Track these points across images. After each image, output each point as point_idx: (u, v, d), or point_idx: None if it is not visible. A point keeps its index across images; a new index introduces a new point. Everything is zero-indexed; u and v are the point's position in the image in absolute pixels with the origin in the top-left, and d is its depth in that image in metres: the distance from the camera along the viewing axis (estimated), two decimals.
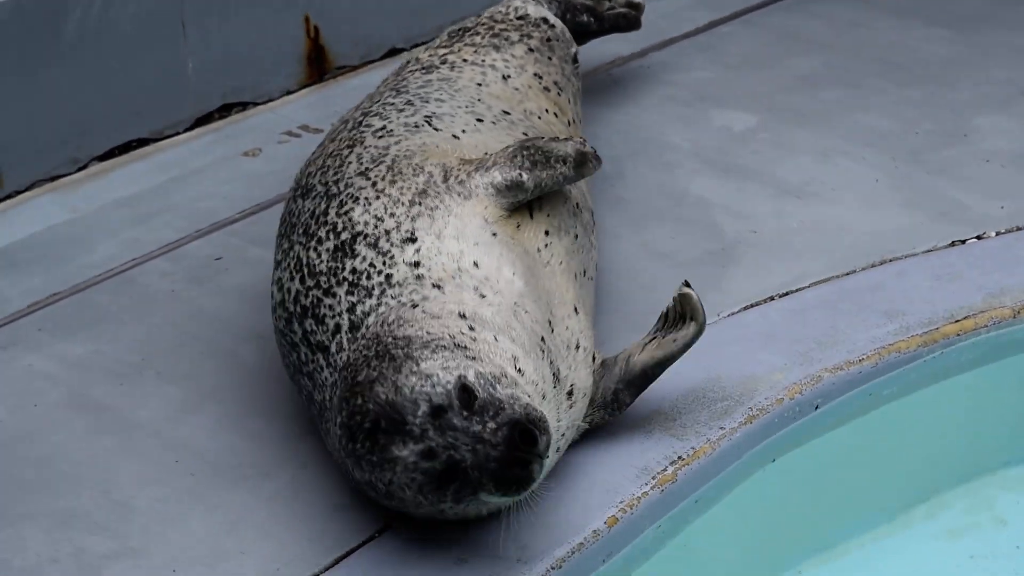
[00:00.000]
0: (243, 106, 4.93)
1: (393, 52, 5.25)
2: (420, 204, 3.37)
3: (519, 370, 3.16)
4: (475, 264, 3.30)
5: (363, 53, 5.19)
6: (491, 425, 2.98)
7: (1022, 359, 3.80)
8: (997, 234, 4.12)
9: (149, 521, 3.34)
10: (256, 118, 4.90)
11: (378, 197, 3.39)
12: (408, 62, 4.19)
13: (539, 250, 3.46)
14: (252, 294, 4.06)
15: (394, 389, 3.04)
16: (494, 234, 3.38)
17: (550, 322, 3.35)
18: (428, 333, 3.15)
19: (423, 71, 4.03)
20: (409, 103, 3.77)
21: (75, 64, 4.57)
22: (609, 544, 3.26)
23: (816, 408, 3.60)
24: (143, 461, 3.51)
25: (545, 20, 4.31)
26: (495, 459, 2.96)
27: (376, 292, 3.26)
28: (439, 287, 3.25)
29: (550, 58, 4.24)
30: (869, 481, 3.71)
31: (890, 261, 4.03)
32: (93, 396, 3.73)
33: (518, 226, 3.45)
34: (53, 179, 4.60)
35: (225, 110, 4.90)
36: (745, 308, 3.88)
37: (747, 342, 3.73)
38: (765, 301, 3.90)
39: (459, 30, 4.25)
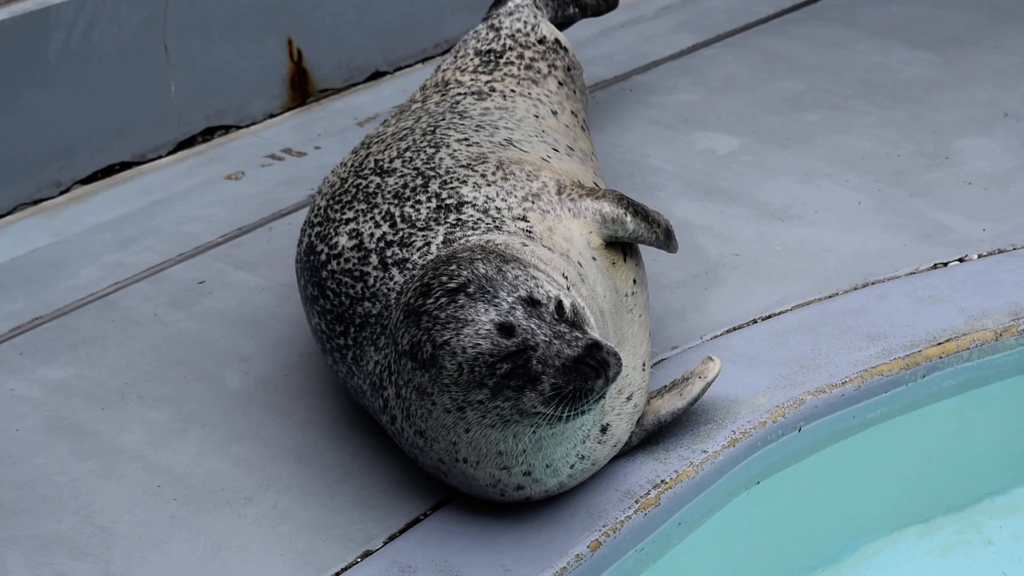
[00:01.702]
0: (226, 129, 4.95)
1: (376, 75, 5.26)
2: (532, 203, 3.44)
3: None
4: (579, 264, 3.36)
5: (346, 76, 5.21)
6: (575, 334, 3.01)
7: (1004, 384, 3.81)
8: (979, 256, 4.14)
9: (131, 546, 3.34)
10: (239, 141, 4.91)
11: (489, 184, 3.47)
12: (447, 83, 4.17)
13: (626, 295, 3.49)
14: (235, 317, 4.07)
15: (497, 270, 3.07)
16: (594, 258, 3.43)
17: None
18: (540, 259, 3.23)
19: (475, 96, 4.03)
20: (480, 126, 3.79)
21: (58, 87, 4.58)
22: (592, 568, 3.27)
23: (799, 431, 3.61)
24: (125, 485, 3.52)
25: (559, 43, 4.34)
26: (567, 356, 2.99)
27: (481, 229, 3.36)
28: (548, 248, 3.34)
29: (575, 91, 4.29)
30: (852, 504, 3.72)
31: (872, 284, 4.05)
32: (75, 420, 3.73)
33: (613, 263, 3.49)
34: (36, 202, 4.61)
35: (208, 133, 4.92)
36: (728, 331, 3.89)
37: (730, 365, 3.74)
38: (748, 324, 3.91)
39: (489, 52, 4.24)
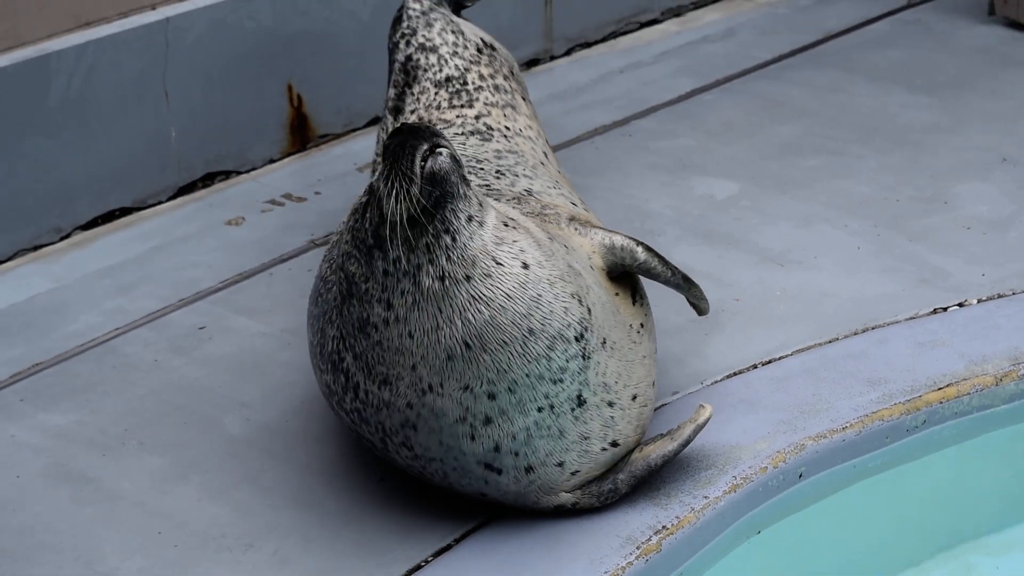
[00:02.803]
0: (226, 175, 4.97)
1: (376, 120, 5.29)
2: (538, 218, 3.49)
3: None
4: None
5: (346, 121, 5.23)
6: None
7: (1005, 431, 3.82)
8: (979, 301, 4.16)
9: None
10: (239, 187, 4.93)
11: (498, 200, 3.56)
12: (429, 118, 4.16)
13: (631, 326, 3.51)
14: (235, 363, 4.08)
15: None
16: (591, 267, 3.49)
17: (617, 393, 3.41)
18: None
19: (478, 138, 4.00)
20: (500, 173, 3.80)
21: (58, 133, 4.60)
22: None
23: (800, 476, 3.62)
24: (126, 532, 3.51)
25: (491, 46, 4.30)
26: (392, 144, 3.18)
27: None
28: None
29: (527, 100, 4.27)
30: (853, 550, 3.72)
31: (872, 328, 4.06)
32: (76, 466, 3.73)
33: (617, 294, 3.50)
34: (36, 248, 4.62)
35: (208, 179, 4.94)
36: (728, 376, 3.90)
37: (730, 410, 3.75)
38: (748, 369, 3.93)
39: (448, 81, 4.19)
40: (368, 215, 3.23)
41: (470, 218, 3.19)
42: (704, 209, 4.67)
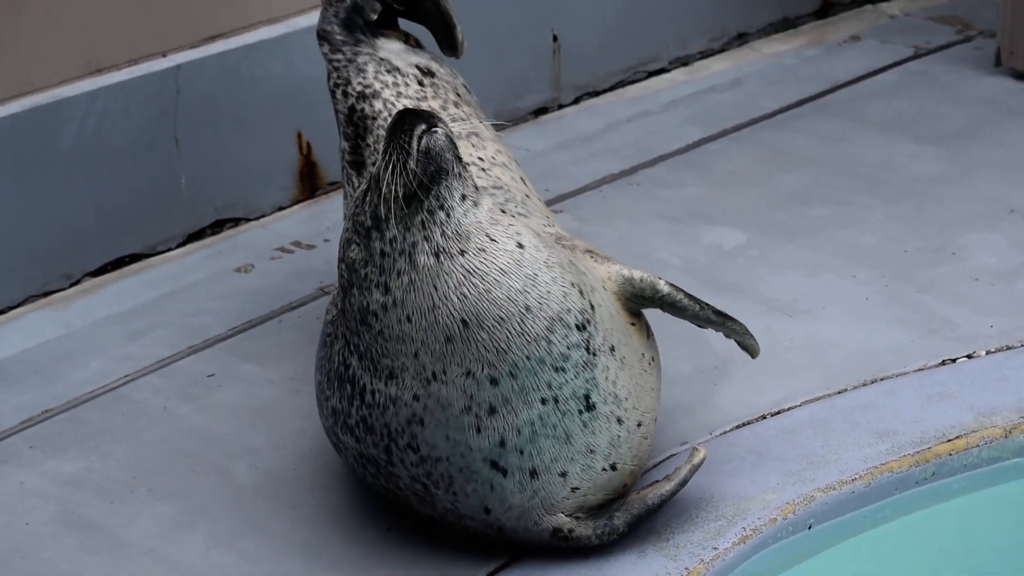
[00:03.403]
0: (236, 222, 4.98)
1: None
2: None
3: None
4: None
5: None
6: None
7: (1014, 484, 3.83)
8: (987, 353, 4.16)
9: None
10: (249, 234, 4.94)
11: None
12: None
13: (643, 355, 3.53)
14: (244, 411, 4.09)
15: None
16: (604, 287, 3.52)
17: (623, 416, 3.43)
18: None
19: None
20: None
21: (69, 178, 4.62)
22: None
23: (809, 527, 3.62)
24: None
25: (429, 71, 4.17)
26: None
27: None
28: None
29: (484, 121, 4.19)
30: None
31: (881, 380, 4.07)
32: (84, 514, 3.74)
33: (633, 324, 3.53)
34: (46, 294, 4.63)
35: (218, 226, 4.95)
36: (737, 426, 3.91)
37: (739, 461, 3.76)
38: (757, 419, 3.93)
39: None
40: (368, 198, 3.31)
41: (464, 196, 3.27)
42: (712, 258, 4.68)
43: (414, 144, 3.22)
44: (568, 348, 3.29)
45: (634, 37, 5.81)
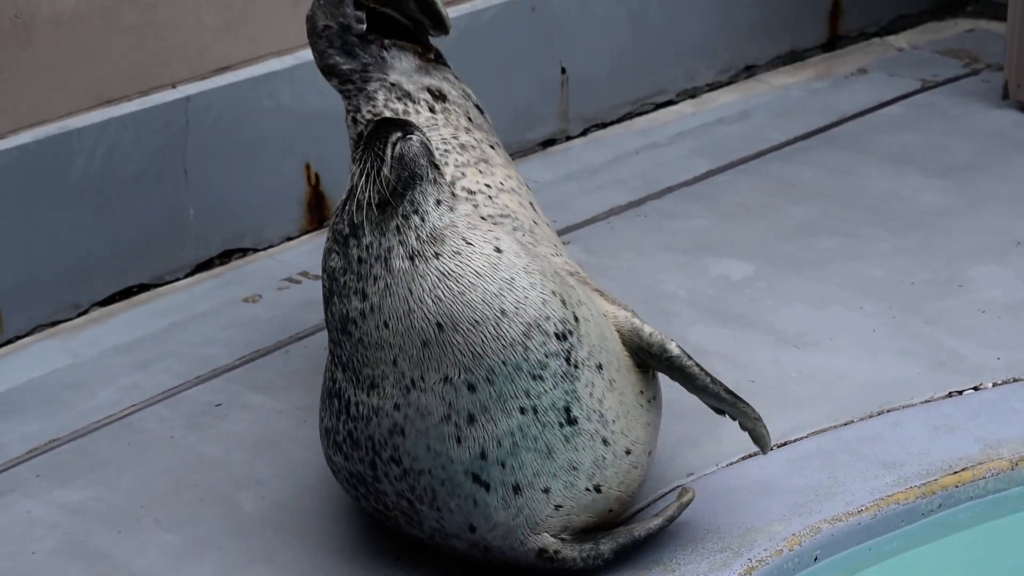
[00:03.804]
0: (244, 252, 5.01)
1: None
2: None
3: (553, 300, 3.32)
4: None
5: None
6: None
7: (1021, 516, 3.83)
8: (994, 385, 4.17)
9: None
10: (256, 264, 4.97)
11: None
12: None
13: (642, 391, 3.53)
14: (251, 440, 4.10)
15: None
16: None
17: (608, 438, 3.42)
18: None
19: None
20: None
21: (77, 209, 4.65)
22: None
23: (815, 559, 3.62)
24: None
25: (440, 95, 4.16)
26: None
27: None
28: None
29: (496, 146, 4.17)
30: None
31: (888, 411, 4.08)
32: (91, 543, 3.75)
33: (634, 368, 3.53)
34: (54, 324, 4.65)
35: (225, 256, 4.98)
36: (743, 458, 3.92)
37: (745, 492, 3.77)
38: None
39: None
40: (346, 207, 3.33)
41: (439, 202, 3.29)
42: (719, 290, 4.70)
43: (388, 151, 3.26)
44: (546, 356, 3.29)
45: (642, 69, 5.84)
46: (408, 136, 3.27)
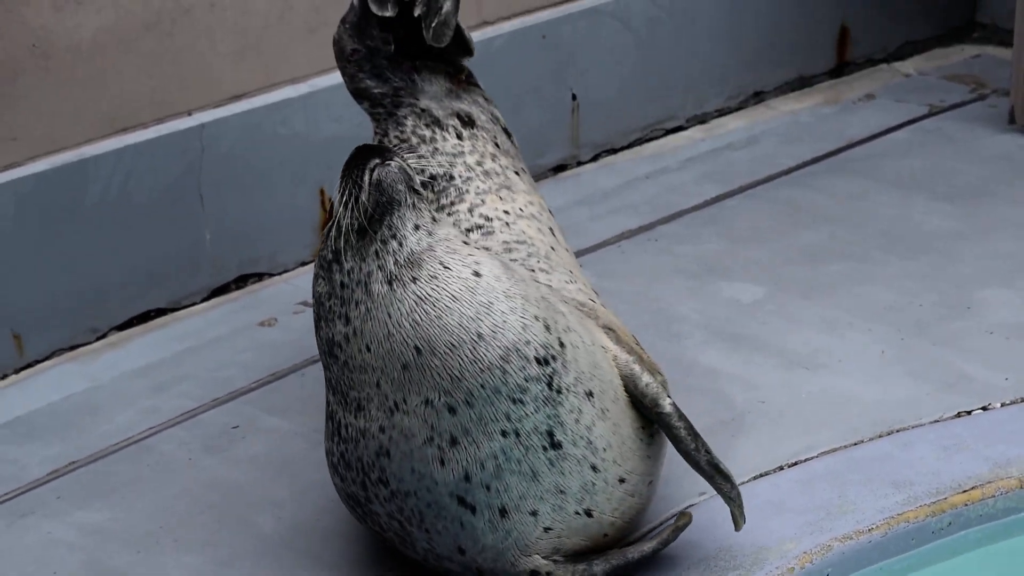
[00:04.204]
0: (259, 277, 5.04)
1: None
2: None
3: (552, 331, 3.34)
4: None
5: None
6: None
7: None
8: (1002, 405, 4.20)
9: None
10: (271, 288, 5.00)
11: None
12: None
13: (642, 427, 3.55)
14: (267, 462, 4.14)
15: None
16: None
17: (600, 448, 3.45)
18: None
19: (480, 232, 3.93)
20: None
21: (95, 235, 4.69)
22: None
23: None
24: None
25: (470, 121, 4.12)
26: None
27: None
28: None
29: (521, 171, 4.17)
30: None
31: (897, 431, 4.11)
32: (111, 564, 3.79)
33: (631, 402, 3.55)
34: (72, 348, 4.69)
35: (242, 281, 5.02)
36: (755, 478, 3.95)
37: (757, 512, 3.79)
38: (775, 471, 3.98)
39: (434, 179, 4.02)
40: (330, 234, 3.37)
41: (417, 226, 3.32)
42: (730, 313, 4.73)
43: (366, 177, 3.29)
44: (526, 380, 3.30)
45: (651, 96, 5.87)
46: (386, 162, 3.31)
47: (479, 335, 3.27)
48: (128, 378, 4.54)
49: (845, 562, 3.67)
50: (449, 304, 3.27)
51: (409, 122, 4.07)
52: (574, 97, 5.67)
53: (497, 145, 4.12)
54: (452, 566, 3.45)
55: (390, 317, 3.28)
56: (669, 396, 3.56)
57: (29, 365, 4.61)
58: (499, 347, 3.28)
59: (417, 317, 3.26)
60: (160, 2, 4.74)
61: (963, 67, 6.34)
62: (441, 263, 3.30)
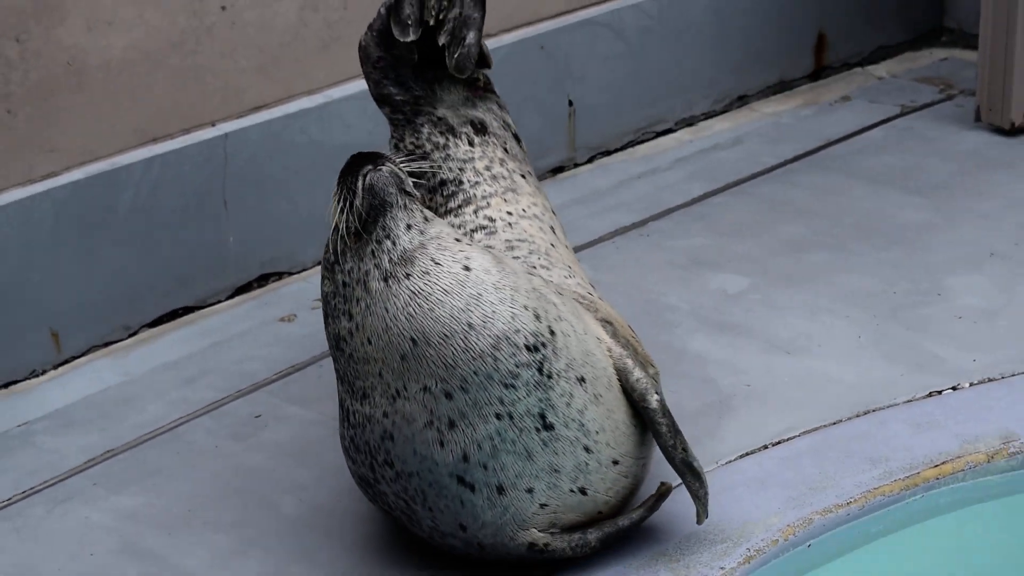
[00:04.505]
0: (279, 276, 5.04)
1: None
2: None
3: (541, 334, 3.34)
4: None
5: None
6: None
7: (996, 502, 3.85)
8: (971, 385, 4.20)
9: None
10: (291, 287, 5.00)
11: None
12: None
13: (635, 414, 3.55)
14: (289, 449, 4.14)
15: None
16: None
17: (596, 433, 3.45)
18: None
19: (483, 232, 3.94)
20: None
21: (127, 239, 4.70)
22: None
23: (808, 547, 3.66)
24: None
25: (482, 128, 4.08)
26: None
27: None
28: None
29: (528, 175, 4.13)
30: None
31: (873, 411, 4.10)
32: (145, 545, 3.80)
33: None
34: (107, 344, 4.70)
35: (263, 280, 5.02)
36: (741, 456, 3.95)
37: (743, 488, 3.80)
38: (759, 449, 3.97)
39: (444, 184, 4.01)
40: (331, 237, 3.38)
41: (409, 226, 3.33)
42: (717, 302, 4.73)
43: (359, 183, 3.31)
44: (517, 366, 3.31)
45: (643, 101, 5.87)
46: (378, 167, 3.32)
47: (470, 325, 3.27)
48: (159, 372, 4.55)
49: (824, 534, 3.67)
50: (440, 297, 3.28)
51: (425, 130, 4.04)
52: (571, 103, 5.67)
53: (506, 150, 4.09)
54: (455, 542, 3.45)
55: (387, 311, 3.29)
56: (659, 393, 3.55)
57: (67, 361, 4.61)
58: (489, 336, 3.28)
59: (412, 311, 3.28)
60: (185, 21, 4.74)
61: (932, 70, 6.32)
62: (432, 259, 3.31)
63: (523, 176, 4.09)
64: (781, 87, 6.26)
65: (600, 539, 3.51)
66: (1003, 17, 5.52)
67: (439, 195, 4.01)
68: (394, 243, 3.32)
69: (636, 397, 3.53)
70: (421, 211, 3.37)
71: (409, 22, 3.91)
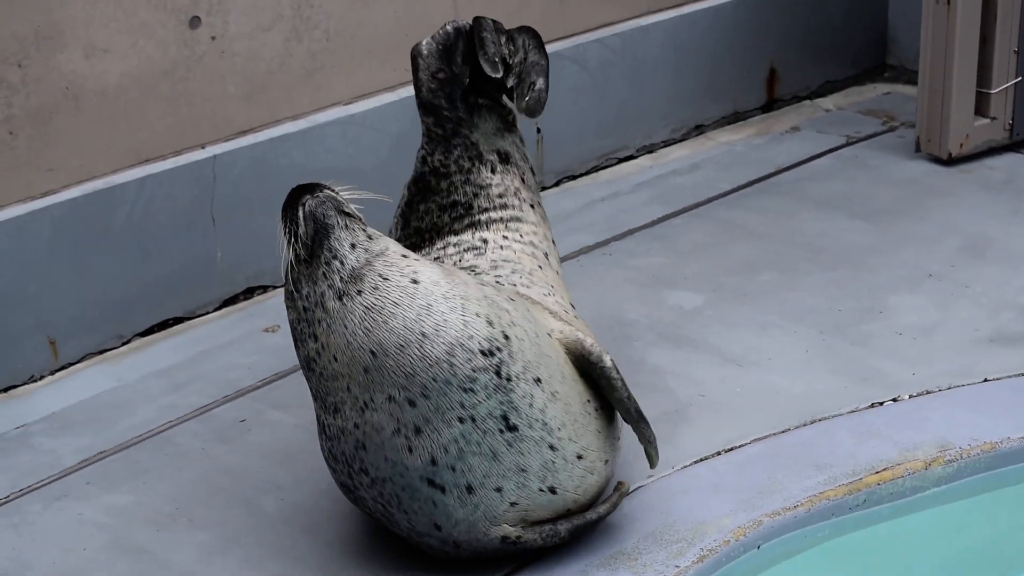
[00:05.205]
0: (264, 289, 5.02)
1: None
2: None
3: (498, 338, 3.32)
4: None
5: None
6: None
7: (934, 511, 3.87)
8: (910, 397, 4.20)
9: None
10: (275, 299, 4.94)
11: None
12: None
13: (588, 400, 3.54)
14: (271, 451, 4.12)
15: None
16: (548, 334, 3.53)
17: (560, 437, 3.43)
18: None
19: (473, 253, 3.91)
20: (499, 283, 3.77)
21: (121, 253, 4.67)
22: None
23: (758, 548, 3.66)
24: None
25: (506, 158, 4.05)
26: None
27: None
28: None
29: (536, 205, 4.10)
30: None
31: (819, 421, 4.11)
32: (134, 541, 3.77)
33: (580, 379, 3.53)
34: (101, 352, 4.67)
35: (249, 292, 4.99)
36: (695, 462, 3.95)
37: (698, 491, 3.80)
38: (713, 456, 3.97)
39: (455, 205, 4.00)
40: (285, 269, 3.36)
41: (354, 245, 3.30)
42: (674, 317, 4.72)
43: (300, 212, 3.29)
44: (473, 371, 3.28)
45: (606, 129, 5.87)
46: (315, 195, 3.31)
47: (423, 334, 3.25)
48: (150, 378, 4.52)
49: (774, 535, 3.67)
50: (392, 310, 3.26)
51: (456, 152, 3.97)
52: (539, 131, 5.67)
53: (523, 180, 4.06)
54: (432, 541, 3.43)
55: (346, 328, 3.27)
56: (607, 356, 3.56)
57: (63, 367, 4.58)
58: (443, 343, 3.26)
59: (368, 324, 3.26)
60: (177, 51, 4.72)
61: (875, 103, 6.35)
62: (380, 275, 3.29)
63: (532, 206, 4.07)
64: (735, 118, 6.27)
65: (570, 530, 3.49)
66: (940, 56, 5.56)
67: (447, 214, 3.99)
68: (342, 262, 3.29)
69: (593, 360, 3.53)
70: (364, 230, 3.35)
71: (496, 59, 3.87)
